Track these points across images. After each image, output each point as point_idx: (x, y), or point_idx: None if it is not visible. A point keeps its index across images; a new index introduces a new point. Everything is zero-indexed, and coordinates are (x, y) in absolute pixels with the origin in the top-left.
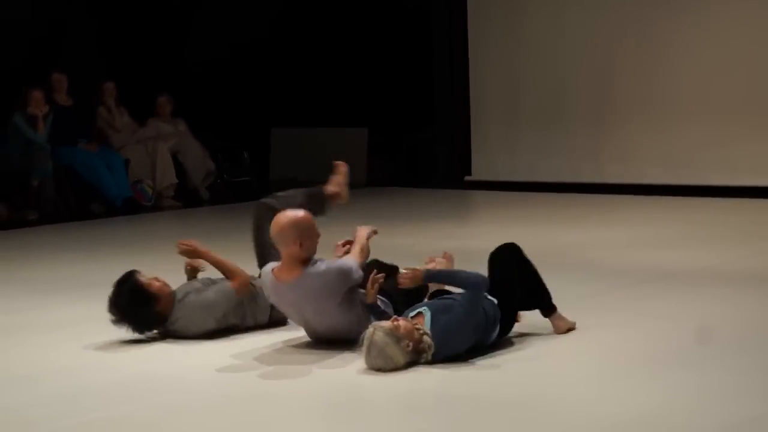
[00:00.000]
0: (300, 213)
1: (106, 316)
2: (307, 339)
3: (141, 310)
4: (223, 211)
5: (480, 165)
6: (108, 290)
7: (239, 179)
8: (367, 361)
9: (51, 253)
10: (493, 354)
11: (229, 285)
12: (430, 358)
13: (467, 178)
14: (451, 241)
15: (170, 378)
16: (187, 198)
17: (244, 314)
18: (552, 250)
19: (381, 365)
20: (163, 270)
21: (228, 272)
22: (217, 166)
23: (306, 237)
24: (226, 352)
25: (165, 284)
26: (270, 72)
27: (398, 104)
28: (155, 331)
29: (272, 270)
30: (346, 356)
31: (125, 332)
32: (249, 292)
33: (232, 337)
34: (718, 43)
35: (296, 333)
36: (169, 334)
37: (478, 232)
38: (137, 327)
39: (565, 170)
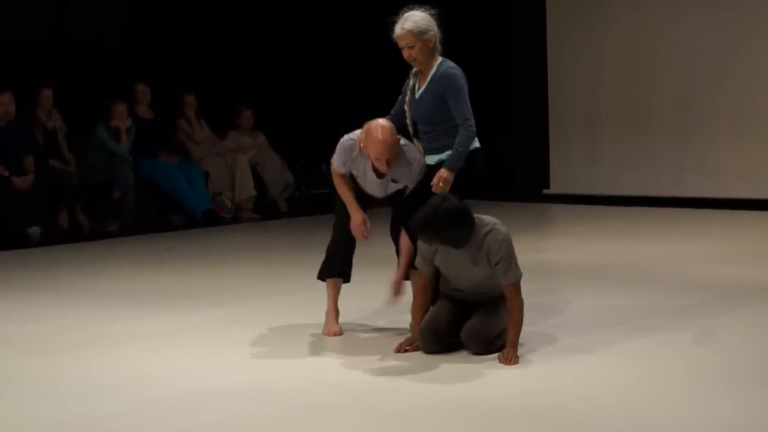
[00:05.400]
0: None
1: (186, 327)
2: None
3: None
4: (301, 223)
5: (559, 178)
6: (187, 301)
7: (317, 191)
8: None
9: (131, 264)
10: (569, 361)
11: None
12: None
13: (545, 191)
14: (531, 254)
15: (250, 388)
16: (266, 210)
17: None
18: (632, 265)
19: None
20: (243, 282)
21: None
22: (295, 179)
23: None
24: (302, 362)
25: None
26: (347, 84)
27: (475, 115)
28: None
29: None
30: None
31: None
32: None
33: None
34: None
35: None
36: None
37: (557, 245)
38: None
39: (646, 184)
